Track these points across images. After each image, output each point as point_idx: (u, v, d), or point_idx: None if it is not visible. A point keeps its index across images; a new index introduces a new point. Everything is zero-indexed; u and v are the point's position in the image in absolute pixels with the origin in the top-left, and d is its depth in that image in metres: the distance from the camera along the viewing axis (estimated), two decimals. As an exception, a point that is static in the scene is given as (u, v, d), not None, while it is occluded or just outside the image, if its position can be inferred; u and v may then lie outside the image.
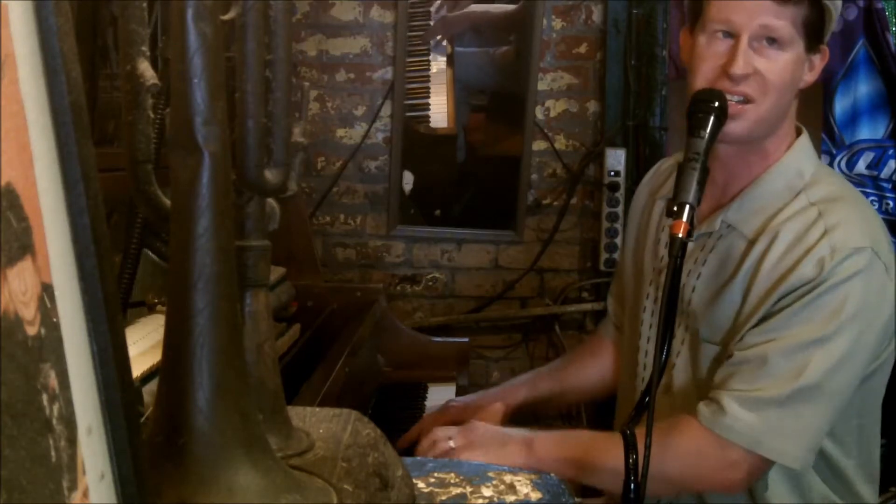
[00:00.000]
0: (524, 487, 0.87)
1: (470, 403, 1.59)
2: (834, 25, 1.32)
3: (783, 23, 1.24)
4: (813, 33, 1.27)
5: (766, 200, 1.32)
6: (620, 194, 2.79)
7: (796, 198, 1.30)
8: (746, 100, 1.27)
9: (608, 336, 1.71)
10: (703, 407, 1.26)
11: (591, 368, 1.70)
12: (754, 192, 1.34)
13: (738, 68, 1.24)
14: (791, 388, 1.21)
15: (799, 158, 1.34)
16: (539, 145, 2.91)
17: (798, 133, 1.38)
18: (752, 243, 1.31)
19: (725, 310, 1.32)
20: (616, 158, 2.79)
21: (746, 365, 1.24)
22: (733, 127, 1.26)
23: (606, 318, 1.73)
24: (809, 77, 1.33)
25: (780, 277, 1.25)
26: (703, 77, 1.29)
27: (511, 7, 2.93)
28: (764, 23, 1.24)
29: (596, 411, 2.87)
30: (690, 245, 1.37)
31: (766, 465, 1.25)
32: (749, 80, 1.26)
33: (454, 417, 1.55)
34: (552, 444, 1.31)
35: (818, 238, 1.24)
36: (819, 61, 1.32)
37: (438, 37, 2.96)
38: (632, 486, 1.04)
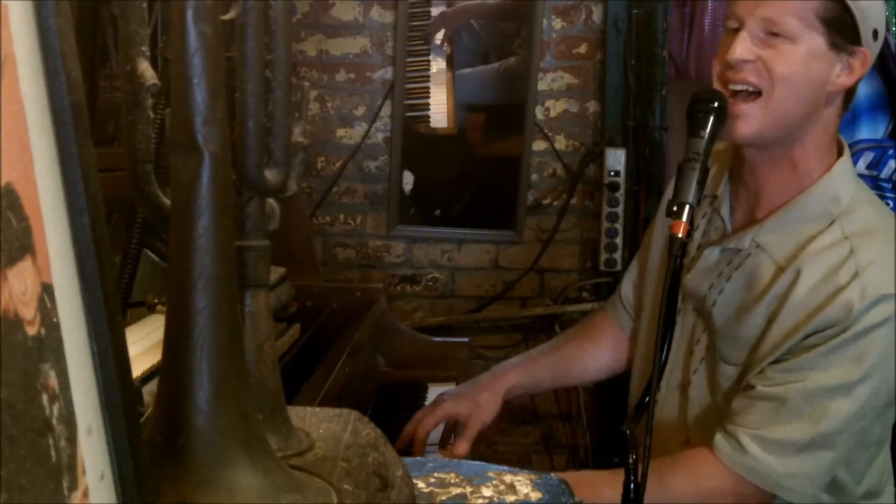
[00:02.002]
0: (524, 487, 0.87)
1: (462, 395, 1.56)
2: (873, 27, 1.26)
3: (788, 16, 1.22)
4: (837, 30, 1.23)
5: (799, 225, 1.29)
6: (620, 194, 2.79)
7: (830, 227, 1.27)
8: (754, 91, 1.24)
9: (615, 321, 1.67)
10: (722, 442, 1.26)
11: (589, 354, 1.67)
12: (789, 214, 1.30)
13: (734, 53, 1.23)
14: (811, 434, 1.22)
15: (837, 182, 1.30)
16: (539, 145, 2.91)
17: (840, 152, 1.33)
18: (780, 270, 1.28)
19: (746, 333, 1.31)
20: (616, 158, 2.79)
21: (767, 403, 1.24)
22: (743, 128, 1.24)
23: (615, 303, 1.68)
24: (845, 80, 1.27)
25: (808, 316, 1.23)
26: (713, 71, 1.28)
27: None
28: (766, 15, 1.23)
29: (596, 410, 2.87)
30: (715, 257, 1.37)
31: (773, 499, 1.27)
32: (749, 66, 1.24)
33: (448, 412, 1.53)
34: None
35: (849, 279, 1.22)
36: (859, 65, 1.27)
37: (439, 35, 2.96)
38: (631, 486, 1.04)
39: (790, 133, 1.28)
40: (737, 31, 1.26)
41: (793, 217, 1.30)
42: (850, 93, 1.32)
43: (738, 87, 1.25)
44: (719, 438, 1.27)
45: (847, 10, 1.23)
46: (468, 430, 1.51)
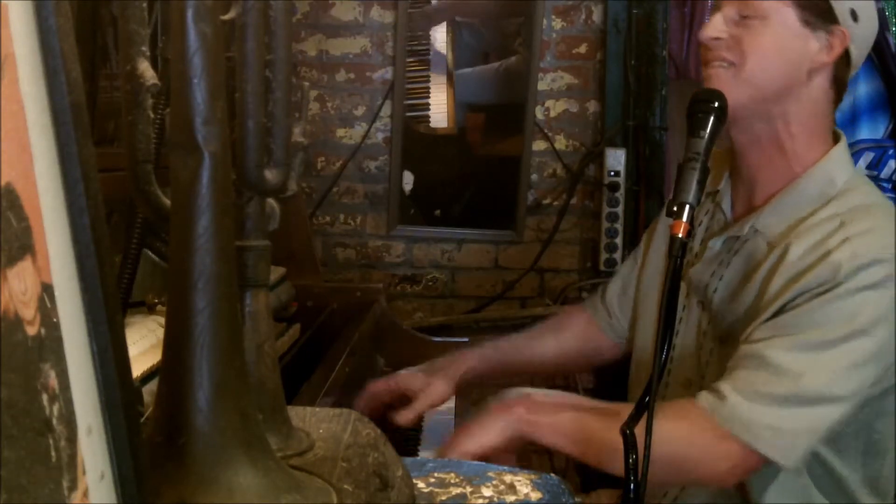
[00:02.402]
0: (524, 487, 0.87)
1: (417, 374, 1.55)
2: (850, 7, 1.29)
3: None
4: (809, 9, 1.28)
5: (795, 208, 1.31)
6: (620, 194, 2.79)
7: (825, 206, 1.29)
8: (728, 64, 1.30)
9: (591, 315, 1.67)
10: (705, 394, 1.24)
11: (551, 341, 1.66)
12: (785, 199, 1.33)
13: (705, 32, 1.31)
14: (793, 389, 1.20)
15: (833, 167, 1.32)
16: (539, 145, 2.91)
17: (837, 140, 1.36)
18: (772, 247, 1.30)
19: (740, 313, 1.31)
20: (616, 158, 2.79)
21: (751, 359, 1.23)
22: (711, 85, 1.30)
23: (595, 301, 1.69)
24: (824, 57, 1.30)
25: (796, 276, 1.24)
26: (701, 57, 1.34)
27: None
28: None
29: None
30: (718, 247, 1.39)
31: (756, 462, 1.23)
32: (721, 44, 1.30)
33: (400, 384, 1.53)
34: (554, 431, 1.27)
35: (838, 243, 1.23)
36: (838, 43, 1.29)
37: (436, 35, 2.97)
38: (632, 485, 1.04)
39: (769, 108, 1.32)
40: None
41: (789, 201, 1.32)
42: (841, 83, 1.34)
43: (714, 65, 1.32)
44: (703, 393, 1.24)
45: None
46: (417, 404, 1.50)
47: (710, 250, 1.40)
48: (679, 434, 1.23)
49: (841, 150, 1.35)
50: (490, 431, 1.25)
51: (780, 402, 1.21)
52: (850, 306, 1.20)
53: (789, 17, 1.28)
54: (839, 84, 1.34)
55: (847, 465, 1.32)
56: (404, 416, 1.48)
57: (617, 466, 1.19)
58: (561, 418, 1.27)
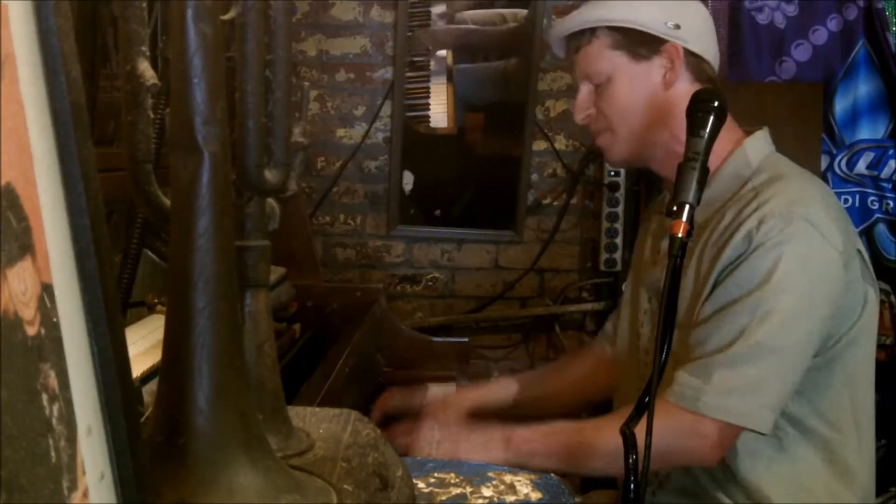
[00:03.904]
0: (524, 487, 0.87)
1: (436, 396, 1.65)
2: (666, 23, 1.39)
3: (593, 64, 1.41)
4: (633, 48, 1.40)
5: (717, 192, 1.39)
6: (620, 194, 2.79)
7: (743, 186, 1.37)
8: (604, 131, 1.44)
9: (599, 350, 1.74)
10: (668, 388, 1.30)
11: (568, 374, 1.74)
12: (709, 187, 1.41)
13: (576, 118, 1.47)
14: (731, 350, 1.26)
15: (747, 151, 1.41)
16: (539, 145, 2.91)
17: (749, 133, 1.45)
18: (701, 230, 1.38)
19: (684, 296, 1.37)
20: (616, 158, 2.79)
21: (695, 341, 1.30)
22: (610, 158, 1.49)
23: (601, 334, 1.77)
24: (672, 76, 1.41)
25: (717, 255, 1.31)
26: None
27: (514, 20, 2.93)
28: (582, 72, 1.44)
29: (596, 410, 2.86)
30: (665, 245, 1.45)
31: (732, 432, 1.28)
32: (591, 119, 1.45)
33: (418, 402, 1.60)
34: (531, 439, 1.33)
35: (750, 213, 1.30)
36: (676, 56, 1.39)
37: (430, 48, 2.97)
38: (632, 486, 1.04)
39: (655, 140, 1.43)
40: None
41: (713, 187, 1.39)
42: (707, 77, 1.43)
43: (597, 137, 1.47)
44: (667, 389, 1.30)
45: (629, 29, 1.39)
46: (417, 425, 1.52)
47: (662, 251, 1.48)
48: (658, 430, 1.25)
49: (755, 139, 1.43)
50: (487, 453, 1.29)
51: (722, 365, 1.26)
52: (766, 264, 1.27)
53: (624, 63, 1.40)
54: (705, 80, 1.43)
55: (841, 437, 1.37)
56: (399, 435, 1.52)
57: (598, 465, 1.32)
58: (546, 442, 1.33)
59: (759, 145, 1.43)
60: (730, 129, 1.43)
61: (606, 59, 1.41)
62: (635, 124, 1.43)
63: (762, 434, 1.28)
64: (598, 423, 1.34)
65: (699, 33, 1.43)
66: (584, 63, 1.44)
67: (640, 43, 1.40)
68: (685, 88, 1.41)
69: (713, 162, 1.40)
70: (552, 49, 1.53)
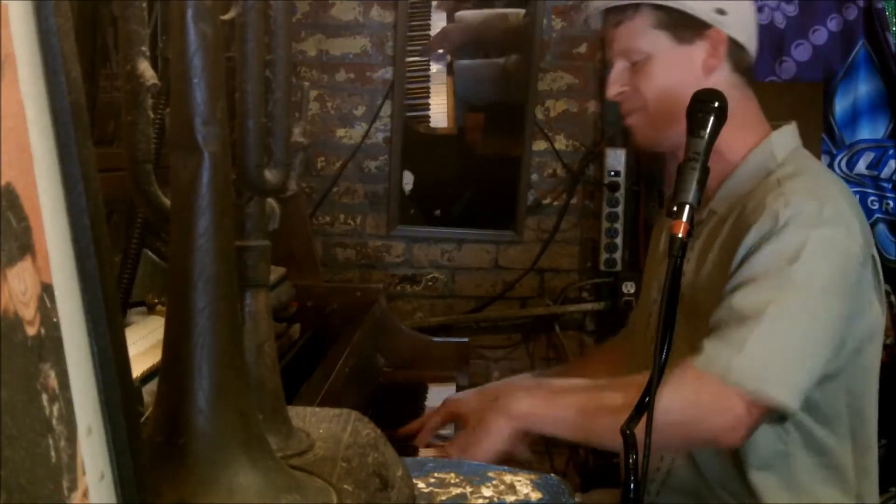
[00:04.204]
0: (524, 487, 0.87)
1: (468, 399, 1.59)
2: (713, 7, 1.38)
3: (633, 41, 1.40)
4: (676, 29, 1.38)
5: (741, 183, 1.40)
6: (620, 194, 2.79)
7: (767, 177, 1.37)
8: (636, 110, 1.44)
9: (621, 344, 1.74)
10: (695, 356, 1.28)
11: (594, 367, 1.71)
12: (731, 180, 1.42)
13: (608, 93, 1.46)
14: (754, 321, 1.25)
15: (773, 144, 1.41)
16: (539, 145, 2.91)
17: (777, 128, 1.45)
18: (724, 220, 1.38)
19: (705, 284, 1.38)
20: (616, 158, 2.79)
21: (723, 313, 1.30)
22: (637, 139, 1.48)
23: (624, 329, 1.78)
24: (713, 61, 1.40)
25: (741, 237, 1.32)
26: None
27: (517, 19, 2.93)
28: (620, 48, 1.42)
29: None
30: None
31: (758, 411, 1.25)
32: (625, 96, 1.44)
33: (452, 411, 1.57)
34: (548, 415, 1.33)
35: (775, 199, 1.31)
36: (720, 42, 1.39)
37: (440, 50, 2.96)
38: (632, 485, 1.03)
39: (685, 129, 1.39)
40: None
41: (735, 181, 1.41)
42: (745, 67, 1.44)
43: (627, 117, 1.47)
44: (693, 357, 1.29)
45: (674, 10, 1.38)
46: (467, 428, 1.53)
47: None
48: (681, 397, 1.26)
49: (782, 132, 1.43)
50: (494, 437, 1.30)
51: (747, 332, 1.25)
52: (791, 245, 1.27)
53: (666, 43, 1.39)
54: (743, 70, 1.43)
55: (837, 440, 1.37)
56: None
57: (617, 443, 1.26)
58: (561, 405, 1.33)
59: (785, 139, 1.43)
60: (756, 123, 1.44)
61: (648, 37, 1.39)
62: (669, 107, 1.40)
63: (787, 415, 1.26)
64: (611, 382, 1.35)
65: (744, 22, 1.42)
66: (623, 38, 1.41)
67: (684, 25, 1.39)
68: (724, 77, 1.41)
69: (737, 153, 1.41)
70: (587, 19, 1.50)
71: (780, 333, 1.25)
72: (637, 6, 1.38)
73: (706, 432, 1.29)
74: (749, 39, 1.42)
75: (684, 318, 1.39)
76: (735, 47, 1.40)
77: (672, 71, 1.40)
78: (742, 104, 1.41)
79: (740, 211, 1.35)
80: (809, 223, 1.27)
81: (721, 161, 1.40)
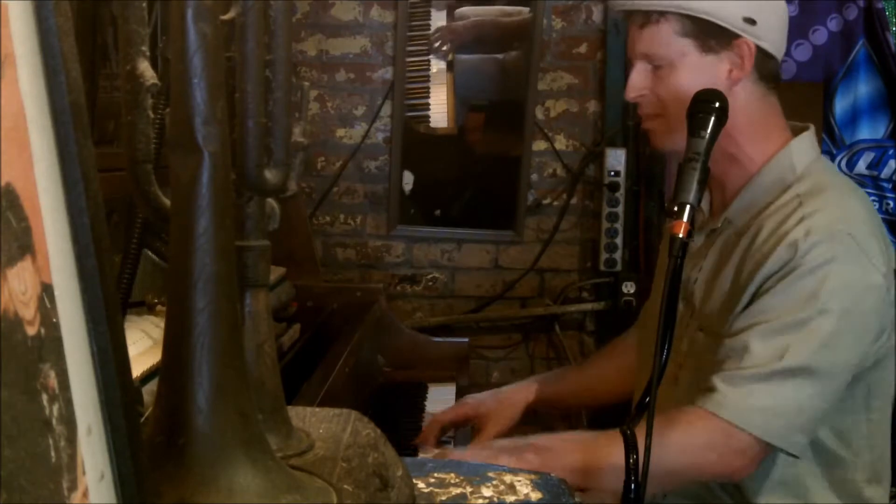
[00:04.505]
0: (524, 487, 0.87)
1: (484, 400, 1.62)
2: (741, 16, 1.34)
3: (657, 47, 1.35)
4: (703, 38, 1.34)
5: (759, 195, 1.37)
6: (620, 194, 2.79)
7: (787, 191, 1.34)
8: (655, 115, 1.40)
9: (630, 342, 1.73)
10: (699, 394, 1.28)
11: (609, 373, 1.72)
12: (748, 191, 1.39)
13: (628, 94, 1.41)
14: (773, 368, 1.23)
15: (793, 154, 1.37)
16: (539, 145, 2.91)
17: (797, 133, 1.41)
18: (740, 235, 1.36)
19: (717, 301, 1.36)
20: (616, 158, 2.79)
21: (732, 350, 1.27)
22: (655, 142, 1.44)
23: (634, 326, 1.76)
24: (738, 73, 1.35)
25: (761, 260, 1.28)
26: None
27: (520, 15, 2.93)
28: (642, 51, 1.37)
29: (597, 410, 2.87)
30: (699, 243, 1.44)
31: (764, 449, 1.26)
32: (645, 99, 1.40)
33: (468, 411, 1.59)
34: (548, 454, 1.31)
35: (795, 224, 1.28)
36: (747, 53, 1.35)
37: (445, 47, 2.96)
38: (632, 485, 1.04)
39: None
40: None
41: (752, 191, 1.38)
42: (769, 75, 1.40)
43: (646, 121, 1.43)
44: (698, 394, 1.28)
45: (702, 19, 1.33)
46: (484, 433, 1.57)
47: (691, 247, 1.45)
48: (692, 442, 1.25)
49: (801, 141, 1.39)
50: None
51: (764, 381, 1.24)
52: (812, 283, 1.24)
53: (691, 52, 1.34)
54: (768, 77, 1.39)
55: (852, 453, 1.35)
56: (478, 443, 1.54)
57: (613, 482, 1.24)
58: (560, 453, 1.30)
59: (805, 148, 1.39)
60: (777, 130, 1.40)
61: (673, 45, 1.34)
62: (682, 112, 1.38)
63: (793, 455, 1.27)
64: (609, 438, 1.31)
65: (774, 30, 1.37)
66: (646, 42, 1.36)
67: (711, 34, 1.34)
68: (749, 87, 1.37)
69: (756, 163, 1.38)
70: (612, 10, 1.46)
71: (789, 385, 1.23)
72: (663, 11, 1.34)
73: (720, 472, 1.30)
74: (779, 46, 1.38)
75: (703, 332, 1.38)
76: (762, 56, 1.36)
77: (695, 80, 1.33)
78: (763, 113, 1.39)
79: (758, 230, 1.32)
80: (826, 259, 1.24)
81: (740, 169, 1.39)
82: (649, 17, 1.35)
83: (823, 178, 1.35)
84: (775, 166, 1.37)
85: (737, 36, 1.34)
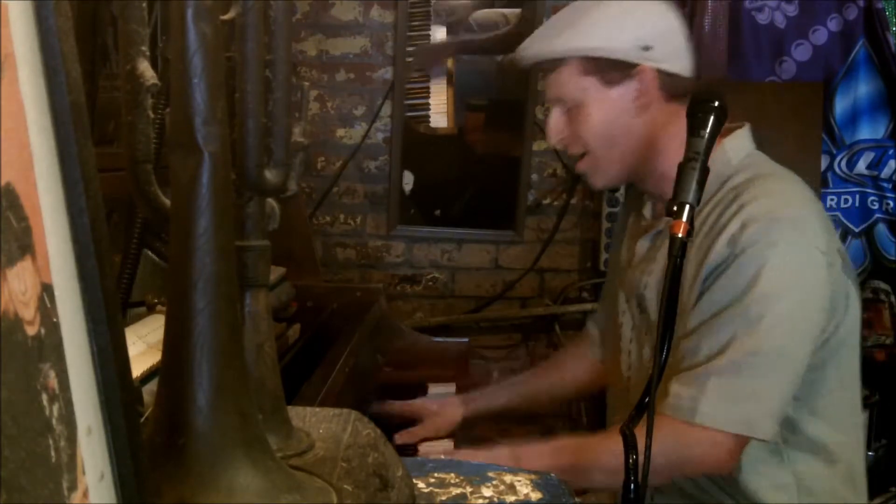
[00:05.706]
0: (524, 487, 0.87)
1: (433, 403, 1.71)
2: (636, 46, 1.36)
3: (564, 89, 1.39)
4: (604, 72, 1.37)
5: None
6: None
7: (725, 184, 1.36)
8: (580, 155, 1.43)
9: (581, 348, 1.76)
10: (664, 402, 1.29)
11: (553, 381, 1.76)
12: None
13: (549, 140, 1.46)
14: (724, 358, 1.25)
15: (727, 152, 1.39)
16: (539, 145, 2.91)
17: (729, 133, 1.43)
18: None
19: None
20: (616, 158, 2.79)
21: (687, 351, 1.29)
22: (593, 182, 1.46)
23: (583, 332, 1.78)
24: (644, 99, 1.38)
25: (702, 261, 1.30)
26: None
27: (501, 30, 2.94)
28: (553, 96, 1.42)
29: (596, 410, 2.87)
30: (645, 247, 1.47)
31: (739, 441, 1.26)
32: (566, 142, 1.43)
33: (416, 408, 1.68)
34: (540, 455, 1.33)
35: (732, 216, 1.29)
36: (648, 79, 1.37)
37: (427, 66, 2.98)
38: (632, 486, 1.03)
39: (640, 163, 1.42)
40: None
41: None
42: (680, 90, 1.40)
43: (576, 162, 1.45)
44: (663, 403, 1.29)
45: (597, 56, 1.36)
46: (421, 428, 1.65)
47: (639, 253, 1.48)
48: (661, 445, 1.25)
49: (735, 137, 1.41)
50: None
51: (715, 375, 1.25)
52: (750, 271, 1.25)
53: (596, 88, 1.38)
54: (680, 95, 1.39)
55: (833, 429, 1.37)
56: (403, 437, 1.62)
57: (600, 479, 1.31)
58: (545, 455, 1.34)
59: (739, 143, 1.41)
60: (676, 142, 1.42)
61: (578, 85, 1.38)
62: (613, 148, 1.41)
63: (764, 441, 1.28)
64: (600, 439, 1.35)
65: (672, 50, 1.40)
66: (555, 87, 1.41)
67: (611, 68, 1.37)
68: (662, 108, 1.40)
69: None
70: (517, 65, 1.49)
71: (742, 372, 1.25)
72: (561, 58, 1.38)
73: (697, 469, 1.32)
74: (682, 65, 1.40)
75: (651, 338, 1.41)
76: (667, 77, 1.38)
77: (606, 114, 1.39)
78: (682, 128, 1.41)
79: (699, 227, 1.34)
80: (765, 244, 1.25)
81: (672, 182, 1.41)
82: (552, 63, 1.40)
83: (759, 168, 1.37)
84: (710, 166, 1.39)
85: (635, 65, 1.37)
